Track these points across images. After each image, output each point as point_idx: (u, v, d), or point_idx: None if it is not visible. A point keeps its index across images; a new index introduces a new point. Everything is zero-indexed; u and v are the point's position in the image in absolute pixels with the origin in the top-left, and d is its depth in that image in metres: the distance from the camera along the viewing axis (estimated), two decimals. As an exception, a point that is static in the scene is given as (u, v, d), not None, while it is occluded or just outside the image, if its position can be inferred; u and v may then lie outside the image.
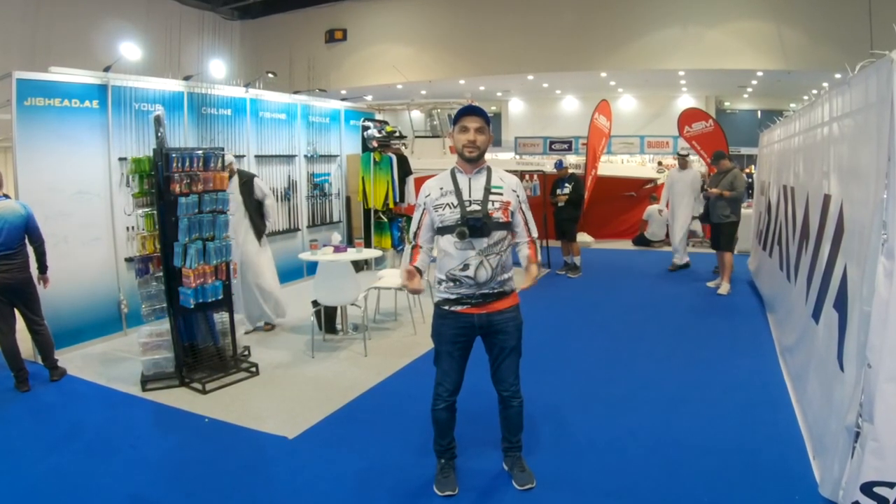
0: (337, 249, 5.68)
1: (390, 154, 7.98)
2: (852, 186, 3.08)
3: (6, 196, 4.39)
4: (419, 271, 2.81)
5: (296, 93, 8.45)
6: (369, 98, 17.19)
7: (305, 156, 8.06)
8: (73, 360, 4.91)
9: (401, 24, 17.19)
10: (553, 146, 18.82)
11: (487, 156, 2.91)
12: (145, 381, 4.34)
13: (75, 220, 5.18)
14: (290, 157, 7.83)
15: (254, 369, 4.64)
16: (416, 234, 2.89)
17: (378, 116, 9.93)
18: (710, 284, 7.54)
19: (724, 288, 7.18)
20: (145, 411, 3.99)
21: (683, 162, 8.62)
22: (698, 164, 10.79)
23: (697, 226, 8.39)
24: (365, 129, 8.37)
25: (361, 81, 17.80)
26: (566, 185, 8.21)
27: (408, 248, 2.92)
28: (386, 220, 7.94)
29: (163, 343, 4.45)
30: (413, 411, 3.79)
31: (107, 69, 5.53)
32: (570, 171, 8.54)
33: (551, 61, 15.64)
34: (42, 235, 4.43)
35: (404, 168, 8.14)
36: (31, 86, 4.91)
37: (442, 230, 2.80)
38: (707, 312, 6.48)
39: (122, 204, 5.41)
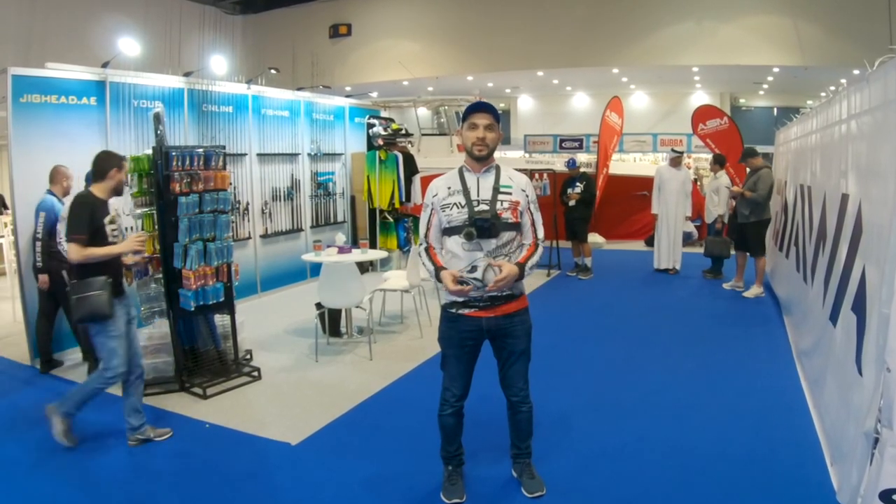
0: (341, 250, 5.63)
1: (396, 152, 7.92)
2: (871, 185, 3.03)
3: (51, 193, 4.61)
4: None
5: (299, 89, 8.38)
6: (374, 95, 17.16)
7: (309, 154, 7.99)
8: (70, 362, 4.87)
9: (407, 18, 17.10)
10: (563, 144, 18.75)
11: (496, 154, 2.85)
12: (144, 386, 4.24)
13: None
14: (293, 156, 7.76)
15: (256, 374, 4.58)
16: (426, 235, 2.84)
17: (384, 114, 9.86)
18: (727, 286, 7.39)
19: (753, 291, 7.02)
20: (144, 416, 3.91)
21: (677, 160, 8.40)
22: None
23: (690, 226, 8.20)
24: (370, 126, 8.32)
25: (366, 78, 17.72)
26: (577, 184, 8.12)
27: (419, 249, 2.85)
28: (391, 220, 7.89)
29: (162, 346, 4.40)
30: (419, 417, 3.72)
31: (105, 65, 5.49)
32: (582, 169, 8.44)
33: (562, 57, 15.48)
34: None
35: (410, 167, 8.09)
36: (27, 82, 4.85)
37: (449, 231, 2.74)
38: (721, 315, 6.38)
39: (120, 204, 5.33)
